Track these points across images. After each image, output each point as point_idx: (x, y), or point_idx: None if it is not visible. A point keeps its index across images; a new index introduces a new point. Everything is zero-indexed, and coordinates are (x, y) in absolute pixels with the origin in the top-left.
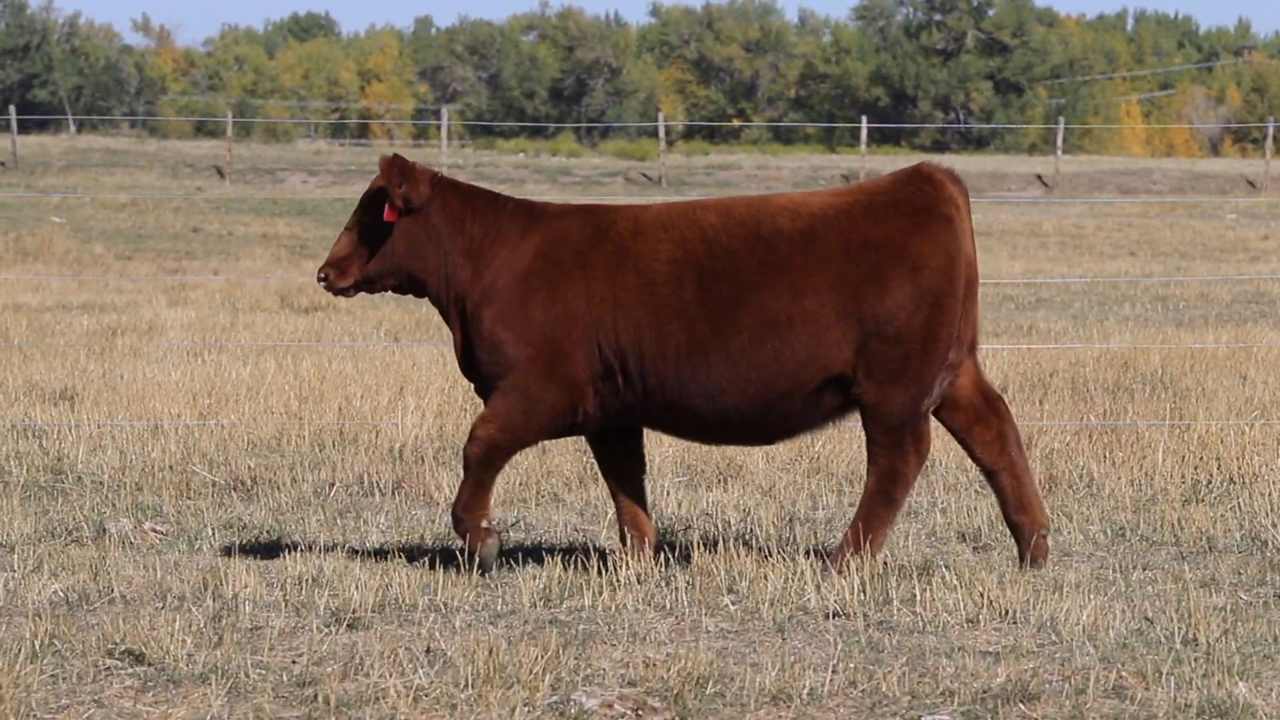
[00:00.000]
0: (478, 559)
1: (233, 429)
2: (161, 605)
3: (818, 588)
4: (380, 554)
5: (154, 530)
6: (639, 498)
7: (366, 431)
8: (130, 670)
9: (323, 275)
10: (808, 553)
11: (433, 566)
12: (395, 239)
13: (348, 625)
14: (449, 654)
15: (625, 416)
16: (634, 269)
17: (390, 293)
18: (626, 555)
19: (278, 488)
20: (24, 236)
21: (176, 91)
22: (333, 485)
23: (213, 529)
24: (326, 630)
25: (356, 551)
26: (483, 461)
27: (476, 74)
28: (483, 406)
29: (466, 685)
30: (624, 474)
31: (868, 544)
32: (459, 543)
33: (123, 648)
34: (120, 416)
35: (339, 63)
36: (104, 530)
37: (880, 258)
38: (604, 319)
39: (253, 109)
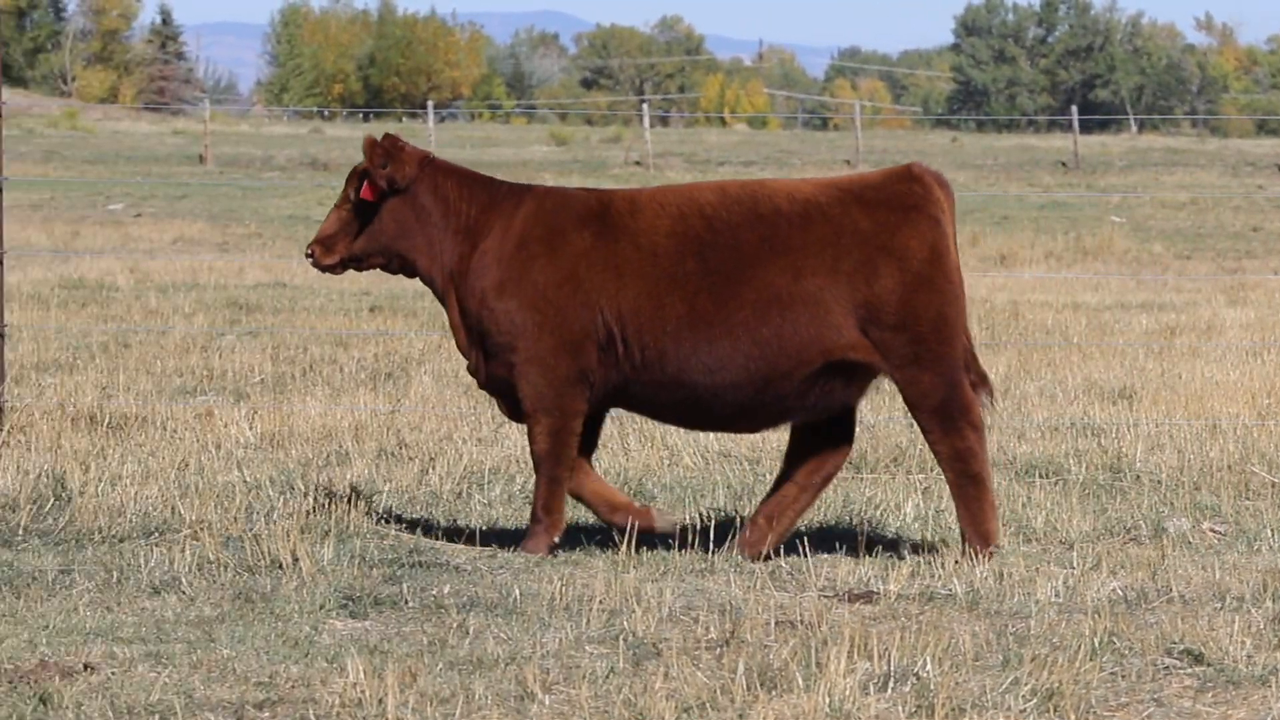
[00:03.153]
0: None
1: None
2: (1220, 605)
3: None
4: None
5: (1212, 530)
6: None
7: None
8: (1189, 670)
9: (309, 252)
10: None
11: None
12: (383, 219)
13: None
14: None
15: (618, 394)
16: (632, 242)
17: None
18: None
19: None
20: (1083, 236)
21: (1238, 90)
22: None
23: (1272, 530)
24: None
25: None
26: (550, 454)
27: None
28: (474, 387)
29: None
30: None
31: (986, 530)
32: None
33: (1181, 647)
34: (1178, 415)
35: None
36: (1162, 529)
37: (870, 249)
38: (603, 287)
39: None
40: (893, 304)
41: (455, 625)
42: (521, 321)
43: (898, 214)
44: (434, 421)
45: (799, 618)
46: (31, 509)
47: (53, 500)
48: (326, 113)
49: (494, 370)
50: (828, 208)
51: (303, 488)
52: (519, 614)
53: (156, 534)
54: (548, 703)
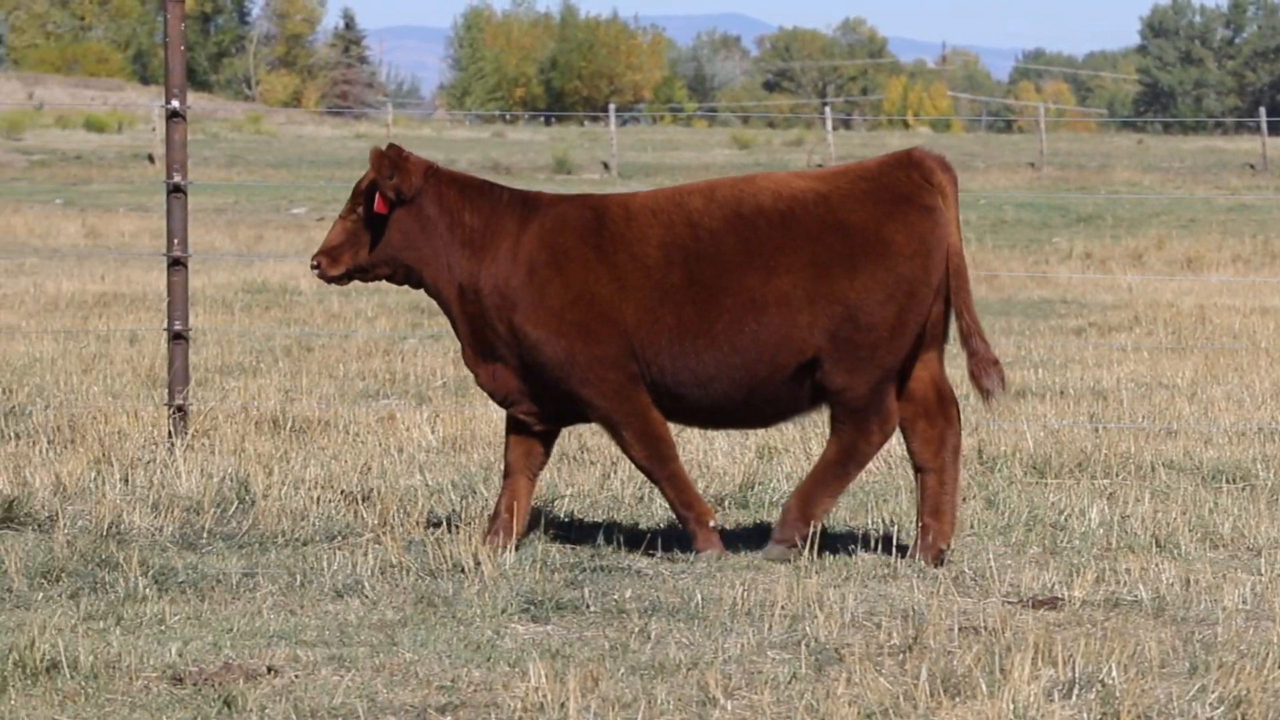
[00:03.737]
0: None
1: None
2: None
3: None
4: None
5: None
6: (528, 489)
7: None
8: None
9: (315, 263)
10: None
11: None
12: (390, 230)
13: None
14: None
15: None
16: (628, 253)
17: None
18: (495, 537)
19: None
20: (1272, 239)
21: None
22: None
23: None
24: None
25: None
26: (652, 456)
27: None
28: (483, 400)
29: None
30: (530, 462)
31: (812, 512)
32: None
33: None
34: None
35: None
36: None
37: (852, 244)
38: (612, 299)
39: None
40: (870, 303)
41: (637, 630)
42: (553, 351)
43: (885, 207)
44: None
45: (982, 624)
46: (215, 512)
47: (236, 503)
48: (508, 116)
49: (529, 386)
50: (812, 204)
51: (484, 492)
52: (701, 619)
53: (339, 537)
54: (730, 708)
